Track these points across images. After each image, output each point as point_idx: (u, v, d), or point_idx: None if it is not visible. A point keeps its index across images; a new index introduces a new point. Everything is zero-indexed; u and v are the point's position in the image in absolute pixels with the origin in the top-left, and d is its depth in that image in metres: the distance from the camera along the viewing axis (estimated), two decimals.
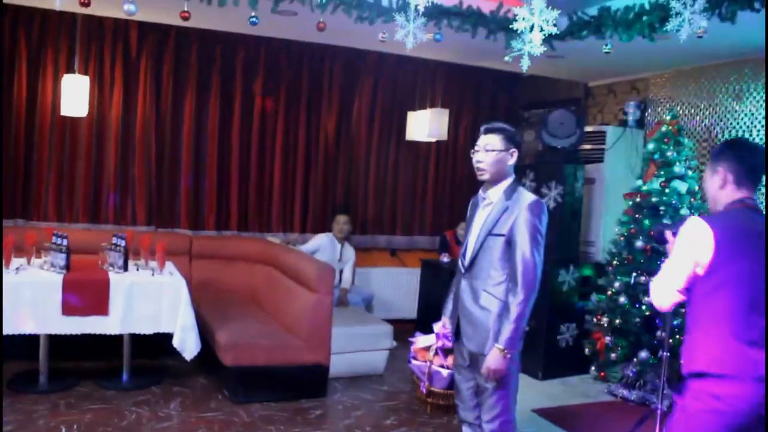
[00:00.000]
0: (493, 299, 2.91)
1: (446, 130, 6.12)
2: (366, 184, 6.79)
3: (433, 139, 6.23)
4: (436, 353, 3.31)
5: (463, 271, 3.05)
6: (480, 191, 3.10)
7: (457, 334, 3.09)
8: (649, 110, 5.70)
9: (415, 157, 6.94)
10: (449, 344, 3.25)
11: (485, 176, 3.00)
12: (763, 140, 4.75)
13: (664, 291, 2.44)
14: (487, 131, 3.01)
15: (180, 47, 5.97)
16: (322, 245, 6.06)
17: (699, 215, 2.61)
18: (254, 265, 5.86)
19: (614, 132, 5.67)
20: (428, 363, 3.31)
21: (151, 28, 5.75)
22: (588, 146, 5.68)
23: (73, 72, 5.41)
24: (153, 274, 4.62)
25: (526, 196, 2.95)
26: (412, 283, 6.81)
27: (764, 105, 4.71)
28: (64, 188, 5.75)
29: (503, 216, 2.92)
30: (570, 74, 6.21)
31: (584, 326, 4.99)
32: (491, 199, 3.01)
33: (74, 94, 5.20)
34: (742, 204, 2.40)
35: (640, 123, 5.74)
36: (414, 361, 3.37)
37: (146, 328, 4.47)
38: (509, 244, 2.89)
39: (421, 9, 3.59)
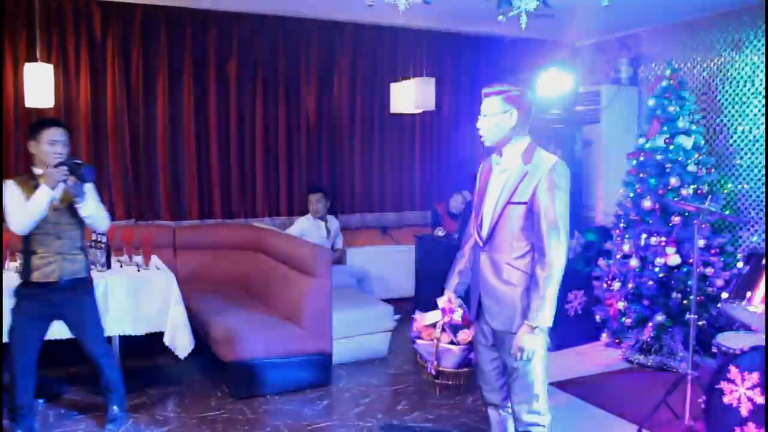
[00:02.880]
0: (518, 272, 2.70)
1: (433, 100, 5.87)
2: (352, 161, 6.53)
3: (420, 110, 5.98)
4: (444, 330, 3.07)
5: (481, 244, 2.83)
6: (493, 156, 2.88)
7: (477, 311, 2.88)
8: (642, 67, 5.52)
9: (400, 130, 6.69)
10: (457, 320, 3.04)
11: (487, 142, 2.80)
12: (764, 88, 4.60)
13: None
14: (486, 95, 2.79)
15: (148, 29, 5.62)
16: (305, 229, 5.81)
17: None
18: (242, 253, 5.61)
19: (608, 91, 5.48)
20: (435, 341, 3.07)
21: (116, 9, 5.40)
22: (581, 107, 5.48)
23: (35, 60, 5.05)
24: (139, 270, 4.35)
25: (547, 158, 2.72)
26: (406, 261, 6.59)
27: (764, 60, 4.53)
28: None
29: (523, 182, 2.70)
30: (557, 34, 5.99)
31: (593, 293, 4.82)
32: (507, 164, 2.78)
33: (38, 84, 4.85)
34: None
35: (633, 81, 5.55)
36: (419, 341, 3.12)
37: (135, 328, 4.21)
38: (531, 211, 2.68)
39: None
